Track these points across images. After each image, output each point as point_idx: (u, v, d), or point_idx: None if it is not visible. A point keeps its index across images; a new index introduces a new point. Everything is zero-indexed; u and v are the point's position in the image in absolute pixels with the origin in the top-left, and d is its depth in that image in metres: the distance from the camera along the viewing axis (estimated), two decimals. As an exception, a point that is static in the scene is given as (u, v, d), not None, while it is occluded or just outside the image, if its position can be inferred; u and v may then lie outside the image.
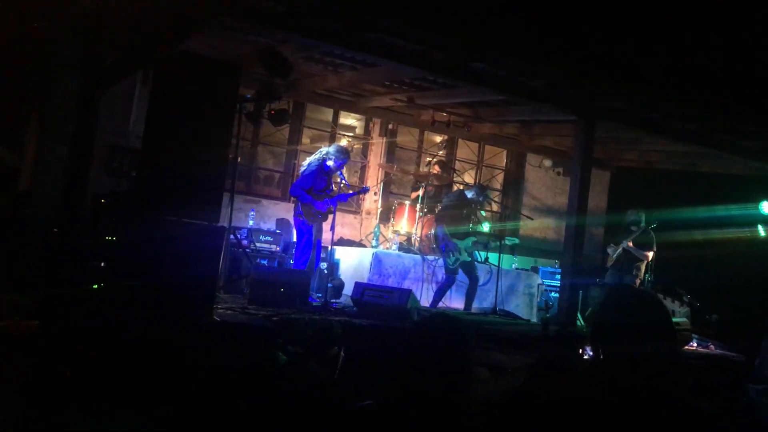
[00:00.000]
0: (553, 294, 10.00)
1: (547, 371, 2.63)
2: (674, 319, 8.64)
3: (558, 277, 9.94)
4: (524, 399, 2.55)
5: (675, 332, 2.23)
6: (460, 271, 8.51)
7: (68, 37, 7.88)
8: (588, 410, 2.06)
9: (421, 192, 9.74)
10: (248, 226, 8.79)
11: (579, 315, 8.78)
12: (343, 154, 7.83)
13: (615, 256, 9.65)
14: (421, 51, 6.86)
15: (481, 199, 8.88)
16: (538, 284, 9.92)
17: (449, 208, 8.68)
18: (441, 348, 2.35)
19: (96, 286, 5.50)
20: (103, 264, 5.91)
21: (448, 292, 8.61)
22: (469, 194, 8.77)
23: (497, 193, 12.16)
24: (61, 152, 7.15)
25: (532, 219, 10.90)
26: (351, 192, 8.49)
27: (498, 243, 9.29)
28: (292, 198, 8.24)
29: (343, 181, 8.25)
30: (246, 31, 7.23)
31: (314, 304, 7.27)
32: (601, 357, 2.14)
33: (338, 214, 10.01)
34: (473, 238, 8.62)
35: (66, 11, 6.93)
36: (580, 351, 2.49)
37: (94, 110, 5.99)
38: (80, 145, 5.94)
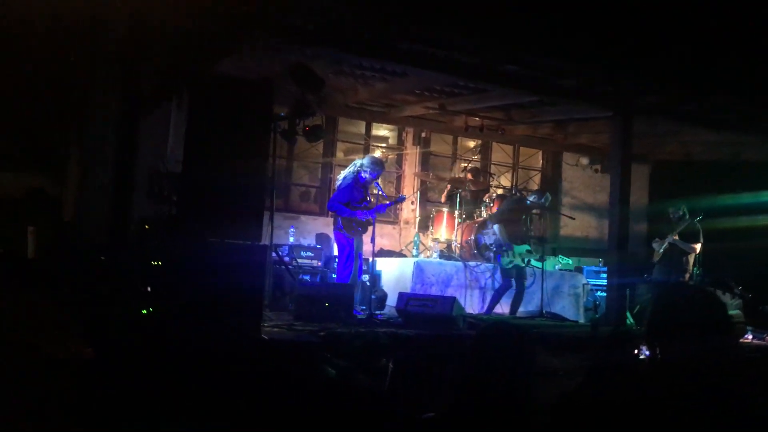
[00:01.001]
0: (599, 293, 9.83)
1: (602, 374, 2.58)
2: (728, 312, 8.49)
3: (603, 275, 9.78)
4: (580, 403, 2.50)
5: (732, 327, 2.17)
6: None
7: (105, 64, 8.08)
8: (646, 412, 2.01)
9: (449, 188, 9.69)
10: (289, 243, 8.85)
11: (628, 314, 8.63)
12: (378, 165, 7.85)
13: (661, 250, 9.49)
14: (451, 57, 6.85)
15: (542, 201, 8.81)
16: (584, 284, 9.76)
17: (507, 212, 8.59)
18: (505, 359, 2.32)
19: (144, 311, 5.59)
20: (149, 288, 6.00)
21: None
22: (531, 198, 8.72)
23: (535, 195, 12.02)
24: (104, 180, 7.31)
25: (573, 218, 10.75)
26: (388, 202, 8.49)
27: (541, 246, 9.17)
28: (330, 212, 8.27)
29: (380, 192, 8.25)
30: (276, 50, 7.30)
31: (359, 316, 7.27)
32: (659, 357, 2.08)
33: (377, 225, 10.01)
34: (527, 247, 8.52)
35: (101, 39, 7.10)
36: (636, 351, 2.43)
37: (134, 136, 6.08)
38: (122, 171, 6.04)
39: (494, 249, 8.52)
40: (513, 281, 8.38)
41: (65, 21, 6.45)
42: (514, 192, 10.14)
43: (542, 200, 8.74)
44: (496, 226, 8.48)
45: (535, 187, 12.13)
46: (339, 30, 6.25)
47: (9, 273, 8.31)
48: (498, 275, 8.75)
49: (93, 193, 8.54)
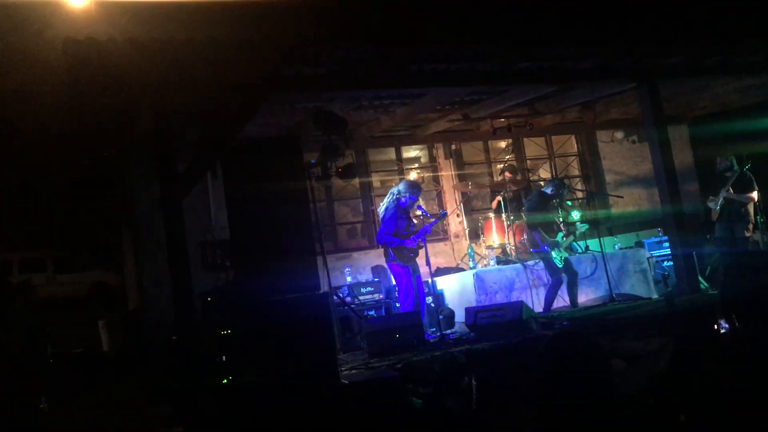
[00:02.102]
0: (666, 263, 9.62)
1: (686, 355, 2.54)
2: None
3: (666, 245, 9.57)
4: (668, 385, 2.47)
5: None
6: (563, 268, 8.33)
7: (138, 154, 8.36)
8: (733, 387, 1.97)
9: (500, 198, 9.66)
10: (347, 283, 8.91)
11: (701, 278, 8.42)
12: (414, 188, 7.88)
13: (718, 207, 9.25)
14: (464, 68, 6.88)
15: (561, 191, 8.69)
16: (648, 258, 9.57)
17: (533, 211, 8.53)
18: (578, 369, 2.31)
19: (224, 381, 5.70)
20: (224, 358, 6.13)
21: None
22: (548, 191, 8.62)
23: (577, 179, 11.90)
24: (159, 262, 7.52)
25: (621, 197, 10.58)
26: (432, 221, 8.50)
27: (593, 230, 9.06)
28: (380, 245, 8.33)
29: (424, 213, 8.27)
30: (293, 102, 7.46)
31: (431, 340, 7.26)
32: (738, 330, 2.05)
33: (428, 245, 10.04)
34: (561, 233, 8.44)
35: (130, 133, 7.38)
36: (715, 327, 2.39)
37: (180, 216, 6.26)
38: (174, 251, 6.20)
39: (545, 251, 8.39)
40: (563, 275, 8.26)
41: (94, 124, 6.73)
42: (526, 190, 10.02)
43: (559, 191, 8.58)
44: (536, 234, 8.39)
45: (576, 173, 12.00)
46: (351, 70, 6.36)
47: (91, 368, 8.60)
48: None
49: (151, 277, 8.82)
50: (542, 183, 10.76)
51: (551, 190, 8.61)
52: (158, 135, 5.94)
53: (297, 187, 5.96)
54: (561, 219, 8.66)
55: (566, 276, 8.34)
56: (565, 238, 8.43)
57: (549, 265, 8.36)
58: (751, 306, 2.10)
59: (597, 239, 8.82)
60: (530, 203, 8.73)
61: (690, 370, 2.41)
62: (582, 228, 8.74)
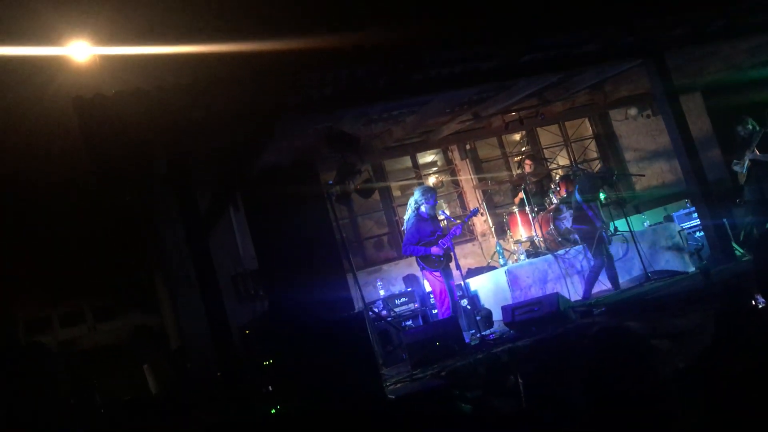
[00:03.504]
0: (698, 234, 9.48)
1: (728, 331, 2.51)
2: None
3: (695, 215, 9.45)
4: (714, 362, 2.44)
5: None
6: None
7: (160, 198, 8.49)
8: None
9: (522, 195, 9.61)
10: (381, 297, 8.93)
11: (735, 245, 8.29)
12: (429, 192, 7.86)
13: (745, 170, 9.13)
14: (469, 69, 6.89)
15: (609, 177, 8.67)
16: (679, 231, 9.45)
17: (590, 191, 8.43)
18: (623, 365, 2.30)
19: (273, 410, 5.75)
20: (270, 387, 6.18)
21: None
22: (601, 173, 8.59)
23: (596, 162, 11.80)
24: (195, 301, 7.61)
25: (643, 175, 10.49)
26: (463, 220, 8.47)
27: (621, 209, 8.96)
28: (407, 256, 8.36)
29: (447, 217, 8.27)
30: (305, 125, 7.51)
31: (472, 343, 7.24)
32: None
33: (457, 247, 10.01)
34: (603, 194, 8.37)
35: (148, 176, 7.49)
36: (753, 302, 2.36)
37: (207, 252, 6.34)
38: (207, 288, 6.29)
39: (596, 223, 8.27)
40: (605, 258, 8.18)
41: (112, 173, 6.85)
42: (577, 171, 9.94)
43: (610, 173, 8.55)
44: (570, 212, 8.33)
45: (594, 156, 11.91)
46: (357, 88, 6.41)
47: (142, 413, 8.71)
48: (590, 255, 8.55)
49: (188, 315, 8.92)
50: (560, 171, 10.70)
51: (604, 173, 8.53)
52: (175, 177, 6.04)
53: (318, 210, 6.05)
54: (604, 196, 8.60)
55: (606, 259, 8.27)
56: (603, 200, 8.35)
57: (599, 242, 8.18)
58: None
59: (624, 219, 8.71)
60: (586, 182, 8.57)
61: (733, 347, 2.38)
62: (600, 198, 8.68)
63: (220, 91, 5.77)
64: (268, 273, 5.91)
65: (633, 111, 11.64)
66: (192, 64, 5.67)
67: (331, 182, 7.29)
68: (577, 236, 8.76)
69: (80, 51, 9.24)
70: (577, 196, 8.52)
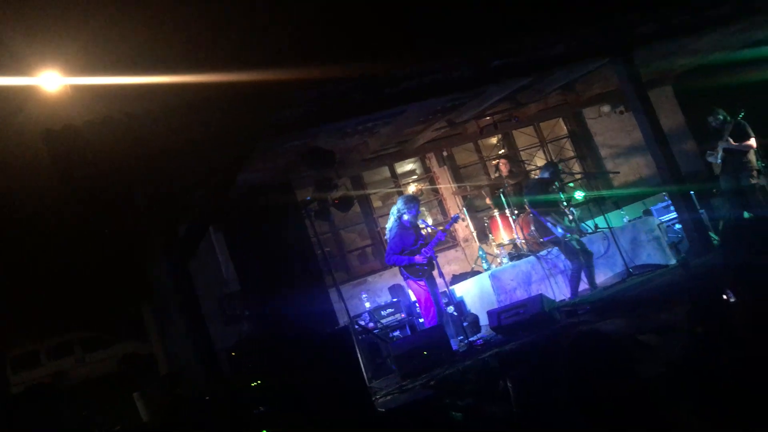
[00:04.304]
0: (677, 226, 9.57)
1: (701, 327, 2.54)
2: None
3: (673, 208, 9.53)
4: (691, 359, 2.47)
5: None
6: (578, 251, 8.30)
7: (140, 225, 8.45)
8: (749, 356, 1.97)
9: (497, 193, 9.68)
10: (367, 309, 8.92)
11: (713, 235, 8.37)
12: (412, 202, 7.89)
13: (719, 161, 9.24)
14: (440, 79, 6.93)
15: (557, 174, 8.71)
16: (658, 225, 9.53)
17: (537, 198, 8.53)
18: (603, 367, 2.32)
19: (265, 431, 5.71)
20: (262, 408, 6.14)
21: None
22: (545, 175, 8.63)
23: (573, 160, 11.89)
24: (180, 326, 7.57)
25: (618, 173, 10.60)
26: (445, 226, 8.51)
27: (598, 207, 9.04)
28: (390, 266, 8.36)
29: (429, 227, 8.29)
30: (280, 144, 7.51)
31: (460, 350, 7.25)
32: (745, 300, 2.05)
33: (440, 254, 10.05)
34: (567, 217, 8.44)
35: (127, 207, 7.45)
36: (725, 296, 2.39)
37: (188, 277, 6.32)
38: (190, 312, 6.26)
39: (559, 236, 8.39)
40: (580, 257, 8.24)
41: (89, 203, 6.80)
42: (524, 181, 10.03)
43: (551, 171, 8.58)
44: (545, 219, 8.41)
45: (571, 154, 12.00)
46: (330, 105, 6.44)
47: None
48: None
49: (175, 341, 8.86)
50: (538, 172, 10.76)
51: (548, 175, 8.61)
52: (152, 204, 6.01)
53: (296, 227, 6.03)
54: (565, 202, 8.65)
55: (583, 260, 8.31)
56: (571, 220, 8.41)
57: (567, 248, 8.30)
58: (752, 275, 2.09)
59: (602, 216, 8.78)
60: (530, 191, 8.73)
61: (708, 343, 2.41)
62: (579, 198, 8.74)
63: (194, 116, 5.77)
64: (250, 293, 5.89)
65: (606, 108, 11.74)
66: (165, 92, 5.65)
67: (309, 198, 7.29)
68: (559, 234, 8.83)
69: (51, 81, 9.21)
70: (532, 210, 8.62)
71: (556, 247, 8.85)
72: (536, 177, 8.89)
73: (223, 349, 7.69)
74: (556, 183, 8.67)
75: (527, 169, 11.13)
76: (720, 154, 9.12)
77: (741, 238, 2.21)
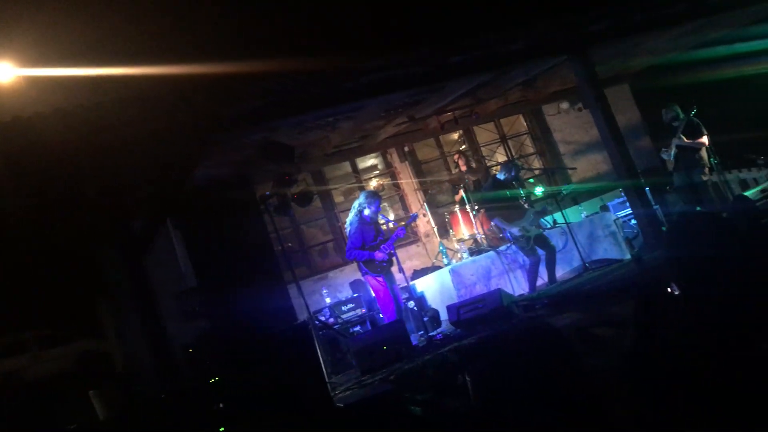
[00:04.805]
0: (632, 222, 9.75)
1: (646, 321, 2.58)
2: (759, 187, 8.40)
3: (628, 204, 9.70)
4: (639, 349, 2.51)
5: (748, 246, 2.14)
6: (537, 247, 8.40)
7: (94, 220, 8.28)
8: (689, 350, 2.01)
9: (462, 193, 9.74)
10: (327, 304, 8.89)
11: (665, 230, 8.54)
12: (374, 197, 7.90)
13: (672, 157, 9.41)
14: (399, 74, 6.92)
15: (513, 174, 8.78)
16: (614, 220, 9.70)
17: (492, 199, 8.61)
18: (542, 354, 2.35)
19: (222, 429, 5.66)
20: (222, 405, 6.08)
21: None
22: (501, 176, 8.70)
23: (532, 156, 12.02)
24: (136, 323, 7.45)
25: (575, 168, 10.74)
26: (403, 225, 8.54)
27: (556, 202, 9.15)
28: (350, 261, 8.34)
29: (389, 222, 8.30)
30: (236, 138, 7.42)
31: (420, 345, 7.28)
32: (687, 293, 2.09)
33: (401, 249, 10.06)
34: (532, 210, 8.52)
35: (79, 202, 7.29)
36: (669, 289, 2.44)
37: (143, 273, 6.22)
38: (145, 309, 6.16)
39: (508, 239, 8.49)
40: (539, 252, 8.34)
41: (38, 198, 6.65)
42: (485, 176, 10.12)
43: (512, 173, 8.66)
44: (495, 221, 8.51)
45: (531, 150, 12.13)
46: (289, 99, 6.38)
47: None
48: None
49: (131, 338, 8.71)
50: (499, 168, 10.85)
51: (505, 176, 8.67)
52: (104, 198, 5.89)
53: (255, 221, 5.99)
54: (524, 198, 8.74)
55: (544, 252, 8.41)
56: (533, 217, 8.49)
57: (523, 248, 8.43)
58: (695, 269, 2.14)
59: (560, 211, 8.90)
60: (487, 189, 8.80)
61: (653, 336, 2.45)
62: (538, 193, 8.84)
63: (147, 108, 5.66)
64: (207, 289, 5.83)
65: (565, 105, 11.89)
66: (118, 83, 5.53)
67: (268, 193, 7.23)
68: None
69: (3, 72, 8.97)
70: (490, 218, 8.71)
71: (515, 243, 8.95)
72: (494, 176, 8.95)
73: (182, 346, 7.60)
74: (514, 182, 8.76)
75: (487, 164, 11.21)
76: (673, 151, 9.30)
77: (685, 232, 2.25)
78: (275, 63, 5.70)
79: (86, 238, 8.96)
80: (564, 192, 9.97)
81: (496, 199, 8.50)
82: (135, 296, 6.15)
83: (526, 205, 8.66)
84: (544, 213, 8.68)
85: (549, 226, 9.35)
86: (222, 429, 5.61)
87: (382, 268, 7.76)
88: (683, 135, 9.20)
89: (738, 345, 1.96)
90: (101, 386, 10.04)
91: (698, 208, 8.82)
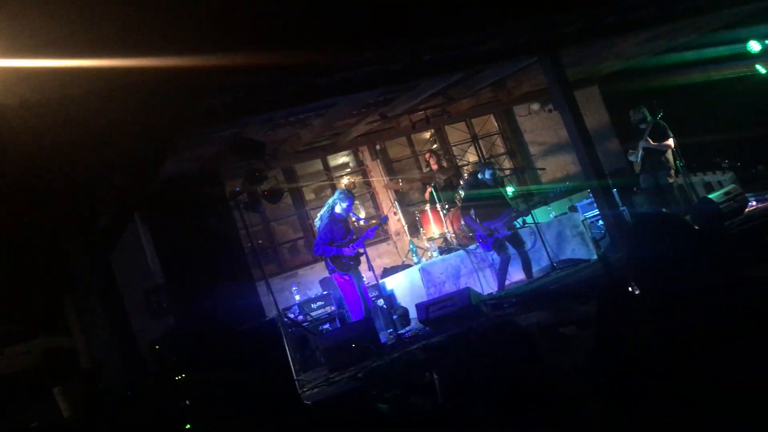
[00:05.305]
0: (600, 222, 9.88)
1: (608, 321, 2.63)
2: (723, 189, 8.56)
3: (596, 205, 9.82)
4: (602, 347, 2.55)
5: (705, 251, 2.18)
6: (508, 245, 8.46)
7: (60, 215, 8.15)
8: (651, 350, 2.05)
9: (430, 189, 9.78)
10: (297, 302, 8.87)
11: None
12: (346, 195, 7.92)
13: (639, 159, 9.56)
14: (372, 72, 6.93)
15: (491, 174, 8.84)
16: (582, 221, 9.82)
17: (470, 199, 8.65)
18: (507, 352, 2.39)
19: (188, 426, 5.62)
20: (188, 402, 6.03)
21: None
22: (481, 176, 8.76)
23: (503, 157, 12.12)
24: (102, 319, 7.35)
25: (544, 169, 10.86)
26: (372, 227, 8.55)
27: (526, 202, 9.24)
28: (317, 256, 8.33)
29: (360, 220, 8.31)
30: (209, 133, 7.37)
31: (389, 343, 7.30)
32: (647, 292, 2.14)
33: (372, 247, 10.07)
34: (508, 213, 8.58)
35: (46, 196, 7.17)
36: (630, 288, 2.49)
37: (108, 269, 6.14)
38: (111, 306, 6.09)
39: (478, 237, 8.56)
40: (509, 251, 8.40)
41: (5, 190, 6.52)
42: (465, 176, 10.18)
43: (490, 172, 8.72)
44: (466, 218, 8.58)
45: (501, 151, 12.22)
46: (261, 94, 6.34)
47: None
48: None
49: (97, 335, 8.59)
50: (470, 168, 10.92)
51: (486, 177, 8.71)
52: (70, 192, 5.80)
53: (224, 218, 5.96)
54: (504, 197, 8.82)
55: (516, 252, 8.48)
56: (509, 219, 8.55)
57: (494, 244, 8.47)
58: (655, 269, 2.18)
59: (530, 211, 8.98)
60: (467, 188, 8.84)
61: (614, 336, 2.50)
62: (509, 193, 8.94)
63: (115, 102, 5.57)
64: (175, 285, 5.78)
65: (536, 106, 12.00)
66: (86, 75, 5.42)
67: (238, 189, 7.19)
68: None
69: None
70: (459, 204, 8.77)
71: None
72: (473, 177, 8.98)
73: (148, 343, 7.52)
74: (491, 183, 8.83)
75: (458, 163, 11.27)
76: (640, 153, 9.45)
77: (644, 232, 2.30)
78: (247, 57, 5.65)
79: (52, 232, 8.82)
80: (534, 192, 10.07)
81: (476, 200, 8.55)
82: (101, 292, 6.06)
83: (505, 205, 8.73)
84: (521, 214, 8.75)
85: (518, 225, 9.43)
86: (188, 426, 5.58)
87: (348, 267, 7.76)
88: (650, 137, 9.34)
89: (692, 342, 2.01)
90: (66, 383, 9.90)
91: (663, 210, 8.97)
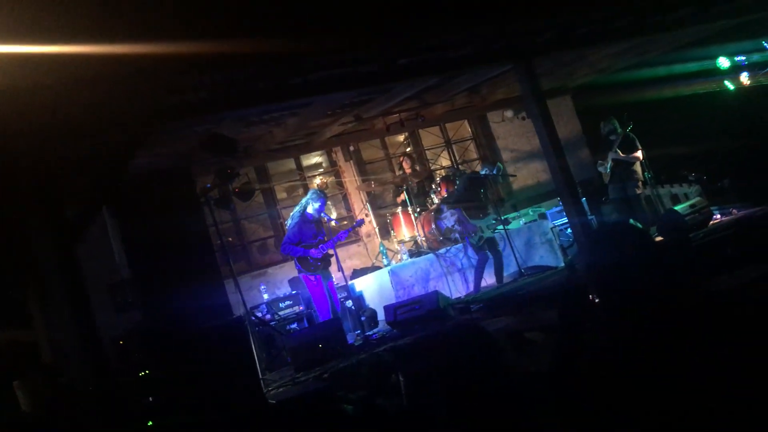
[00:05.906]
0: (568, 230, 10.00)
1: (570, 327, 2.66)
2: (689, 202, 8.73)
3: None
4: (566, 356, 2.58)
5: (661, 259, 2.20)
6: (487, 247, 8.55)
7: (27, 206, 8.00)
8: (613, 358, 2.08)
9: (404, 195, 9.82)
10: (265, 301, 8.83)
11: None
12: (319, 196, 7.92)
13: (608, 170, 9.70)
14: (348, 72, 6.93)
15: (495, 172, 8.94)
16: (551, 228, 9.93)
17: (464, 192, 8.71)
18: (471, 356, 2.40)
19: (150, 423, 5.56)
20: (151, 399, 5.97)
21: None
22: (483, 172, 8.83)
23: (476, 162, 12.20)
24: (65, 313, 7.22)
25: (515, 176, 10.97)
26: (346, 229, 8.56)
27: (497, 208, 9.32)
28: (284, 255, 8.31)
29: (331, 221, 8.31)
30: (181, 129, 7.30)
31: (356, 344, 7.31)
32: (605, 302, 2.17)
33: (342, 248, 10.07)
34: (494, 216, 8.65)
35: (12, 187, 7.03)
36: (591, 296, 2.53)
37: (75, 262, 6.04)
38: (75, 300, 5.99)
39: (458, 230, 8.64)
40: (488, 253, 8.50)
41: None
42: (463, 170, 10.26)
43: (494, 170, 8.85)
44: (458, 210, 8.63)
45: (474, 156, 12.30)
46: (235, 91, 6.30)
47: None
48: (471, 252, 8.88)
49: (60, 328, 8.45)
50: (442, 172, 10.99)
51: (486, 171, 8.77)
52: (36, 183, 5.70)
53: (193, 214, 5.90)
54: (489, 203, 8.89)
55: (492, 256, 8.56)
56: (493, 222, 8.62)
57: (473, 246, 8.58)
58: (610, 277, 2.22)
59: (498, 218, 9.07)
60: (464, 183, 8.90)
61: (578, 345, 2.53)
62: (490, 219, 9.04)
63: (84, 92, 5.49)
64: (142, 280, 5.71)
65: (509, 113, 12.12)
66: (55, 63, 5.32)
67: (209, 185, 7.13)
68: (458, 235, 9.05)
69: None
70: (456, 211, 8.83)
71: (455, 246, 9.08)
72: (472, 171, 9.07)
73: (112, 338, 7.42)
74: (489, 181, 8.91)
75: (431, 167, 11.32)
76: (609, 164, 9.59)
77: (603, 241, 2.34)
78: (220, 45, 5.59)
79: (15, 222, 8.65)
80: (504, 199, 10.15)
81: (469, 194, 8.61)
82: (65, 285, 5.97)
83: (490, 208, 8.80)
84: (504, 222, 8.84)
85: (493, 233, 9.52)
86: (150, 423, 5.52)
87: (316, 267, 7.76)
88: (619, 149, 9.49)
89: (645, 349, 2.05)
90: (26, 377, 9.71)
91: (630, 220, 9.12)
